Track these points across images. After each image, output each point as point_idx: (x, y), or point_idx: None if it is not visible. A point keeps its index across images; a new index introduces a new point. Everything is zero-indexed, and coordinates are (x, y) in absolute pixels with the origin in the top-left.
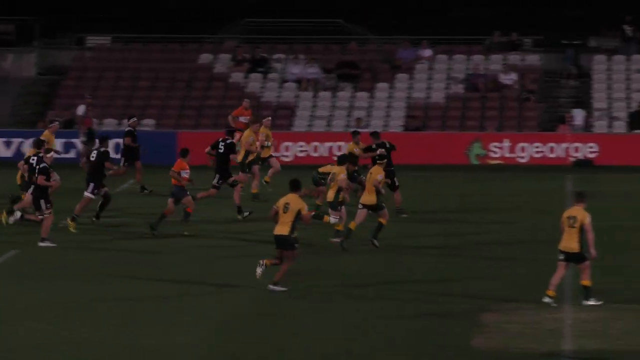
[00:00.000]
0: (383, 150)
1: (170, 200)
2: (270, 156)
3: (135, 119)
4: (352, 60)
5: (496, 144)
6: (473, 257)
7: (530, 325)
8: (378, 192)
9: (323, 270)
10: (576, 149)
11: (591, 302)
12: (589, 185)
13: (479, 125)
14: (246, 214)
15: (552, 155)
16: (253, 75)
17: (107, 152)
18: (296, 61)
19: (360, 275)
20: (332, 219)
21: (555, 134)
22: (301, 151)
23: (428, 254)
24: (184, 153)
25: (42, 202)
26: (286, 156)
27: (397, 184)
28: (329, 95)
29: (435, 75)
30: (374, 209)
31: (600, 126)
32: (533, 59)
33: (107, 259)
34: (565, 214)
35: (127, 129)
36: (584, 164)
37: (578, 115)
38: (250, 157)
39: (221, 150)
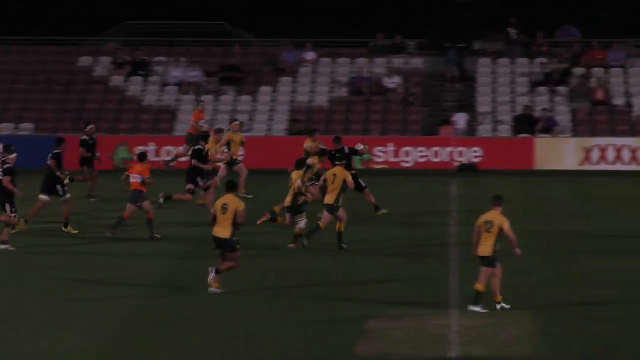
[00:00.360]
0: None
1: (129, 205)
2: (236, 161)
3: (92, 126)
4: (234, 63)
5: (380, 148)
6: (375, 261)
7: (414, 331)
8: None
9: (247, 270)
10: (460, 153)
11: (477, 309)
12: (474, 189)
13: (363, 129)
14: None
15: (436, 160)
16: (133, 79)
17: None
18: (177, 64)
19: (271, 278)
20: (301, 223)
21: (440, 137)
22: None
23: (338, 256)
24: (142, 157)
25: (7, 205)
26: (167, 160)
27: (363, 184)
28: (211, 98)
29: (319, 78)
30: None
31: (484, 130)
32: (417, 62)
33: (52, 262)
34: (482, 219)
35: (82, 138)
36: (468, 168)
37: (460, 119)
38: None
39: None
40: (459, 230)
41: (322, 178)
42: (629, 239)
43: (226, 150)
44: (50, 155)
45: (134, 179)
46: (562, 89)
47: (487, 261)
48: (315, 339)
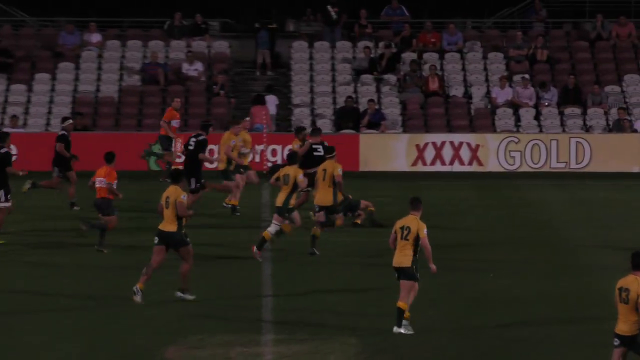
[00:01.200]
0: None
1: (109, 218)
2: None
3: (70, 120)
4: (4, 46)
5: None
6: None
7: None
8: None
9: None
10: (274, 152)
11: (402, 331)
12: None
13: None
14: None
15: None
16: None
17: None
18: None
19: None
20: (273, 226)
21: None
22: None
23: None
24: (110, 158)
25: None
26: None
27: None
28: None
29: (106, 64)
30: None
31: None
32: (221, 45)
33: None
34: (398, 224)
35: (60, 133)
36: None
37: (271, 103)
38: (233, 164)
39: (191, 147)
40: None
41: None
42: (469, 252)
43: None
44: None
45: (100, 183)
46: (390, 77)
47: (406, 274)
48: None
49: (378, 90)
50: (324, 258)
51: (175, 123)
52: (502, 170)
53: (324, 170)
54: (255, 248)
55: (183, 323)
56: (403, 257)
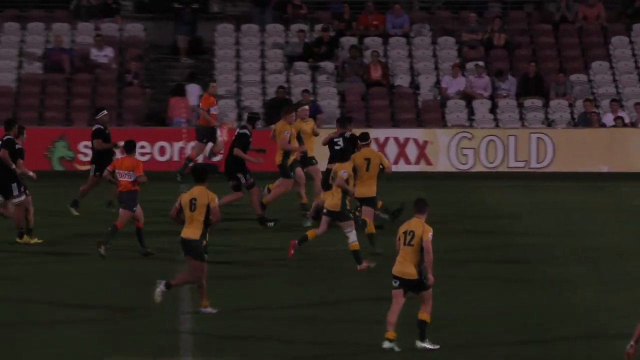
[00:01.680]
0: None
1: (122, 211)
2: (311, 161)
3: (105, 112)
4: None
5: (87, 143)
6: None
7: None
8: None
9: None
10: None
11: (427, 345)
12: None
13: (64, 118)
14: (271, 224)
15: (162, 159)
16: None
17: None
18: None
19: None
20: (351, 235)
21: (168, 129)
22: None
23: None
24: (132, 147)
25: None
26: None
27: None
28: None
29: (2, 50)
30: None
31: (226, 118)
32: (135, 28)
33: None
34: (402, 229)
35: (95, 127)
36: (208, 170)
37: (193, 92)
38: (292, 158)
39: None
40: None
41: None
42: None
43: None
44: None
45: (126, 177)
46: (327, 64)
47: (415, 285)
48: None
49: (313, 80)
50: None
51: (214, 110)
52: (453, 170)
53: (367, 159)
54: (362, 265)
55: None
56: (408, 266)
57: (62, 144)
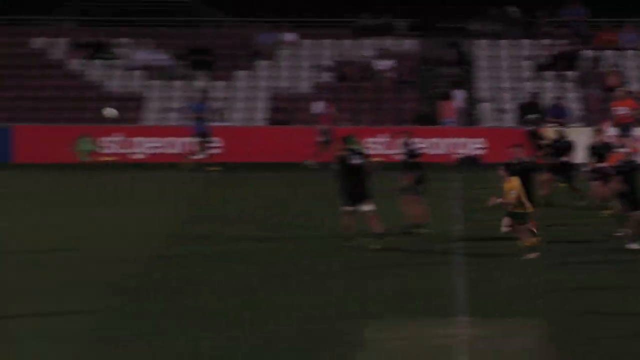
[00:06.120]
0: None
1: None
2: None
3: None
4: (205, 45)
5: (373, 139)
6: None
7: (415, 341)
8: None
9: None
10: (464, 145)
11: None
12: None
13: (352, 119)
14: None
15: (436, 151)
16: (94, 62)
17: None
18: (142, 46)
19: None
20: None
21: (438, 128)
22: (154, 147)
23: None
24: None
25: None
26: (137, 153)
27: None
28: (181, 84)
29: (301, 62)
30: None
31: (487, 119)
32: (409, 44)
33: None
34: None
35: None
36: (470, 162)
37: (459, 97)
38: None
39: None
40: (466, 231)
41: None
42: None
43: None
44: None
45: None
46: (570, 74)
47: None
48: (307, 352)
49: (559, 87)
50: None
51: (625, 110)
52: None
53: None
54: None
55: (373, 307)
56: None
57: (354, 139)
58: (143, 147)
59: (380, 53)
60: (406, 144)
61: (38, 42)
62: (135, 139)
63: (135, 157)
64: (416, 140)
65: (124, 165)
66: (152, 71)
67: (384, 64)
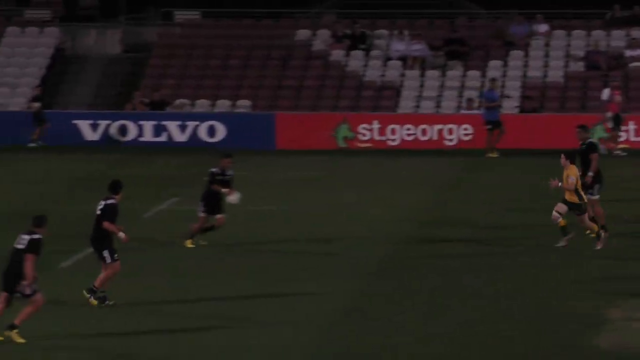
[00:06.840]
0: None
1: None
2: None
3: None
4: (460, 36)
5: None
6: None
7: None
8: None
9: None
10: None
11: None
12: None
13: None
14: None
15: None
16: (354, 53)
17: None
18: (400, 37)
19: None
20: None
21: None
22: (408, 134)
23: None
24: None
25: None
26: (392, 140)
27: None
28: (437, 74)
29: (553, 52)
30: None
31: None
32: None
33: None
34: None
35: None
36: None
37: None
38: None
39: None
40: None
41: None
42: None
43: None
44: None
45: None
46: None
47: None
48: (545, 332)
49: None
50: None
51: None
52: None
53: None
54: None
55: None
56: None
57: (600, 127)
58: (398, 134)
59: (630, 43)
60: None
61: (301, 34)
62: (390, 127)
63: (390, 144)
64: None
65: (380, 152)
66: (408, 61)
67: (635, 53)
